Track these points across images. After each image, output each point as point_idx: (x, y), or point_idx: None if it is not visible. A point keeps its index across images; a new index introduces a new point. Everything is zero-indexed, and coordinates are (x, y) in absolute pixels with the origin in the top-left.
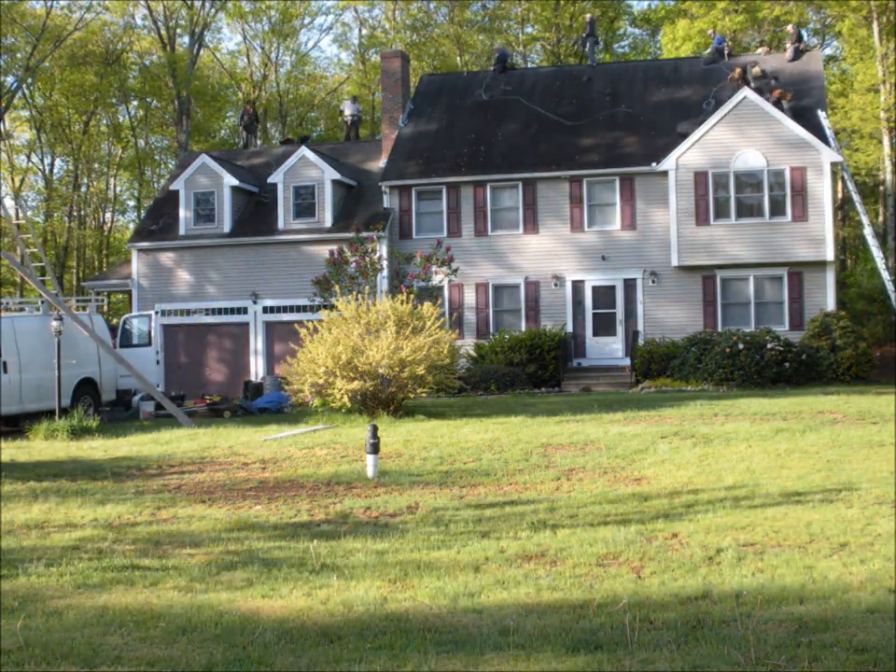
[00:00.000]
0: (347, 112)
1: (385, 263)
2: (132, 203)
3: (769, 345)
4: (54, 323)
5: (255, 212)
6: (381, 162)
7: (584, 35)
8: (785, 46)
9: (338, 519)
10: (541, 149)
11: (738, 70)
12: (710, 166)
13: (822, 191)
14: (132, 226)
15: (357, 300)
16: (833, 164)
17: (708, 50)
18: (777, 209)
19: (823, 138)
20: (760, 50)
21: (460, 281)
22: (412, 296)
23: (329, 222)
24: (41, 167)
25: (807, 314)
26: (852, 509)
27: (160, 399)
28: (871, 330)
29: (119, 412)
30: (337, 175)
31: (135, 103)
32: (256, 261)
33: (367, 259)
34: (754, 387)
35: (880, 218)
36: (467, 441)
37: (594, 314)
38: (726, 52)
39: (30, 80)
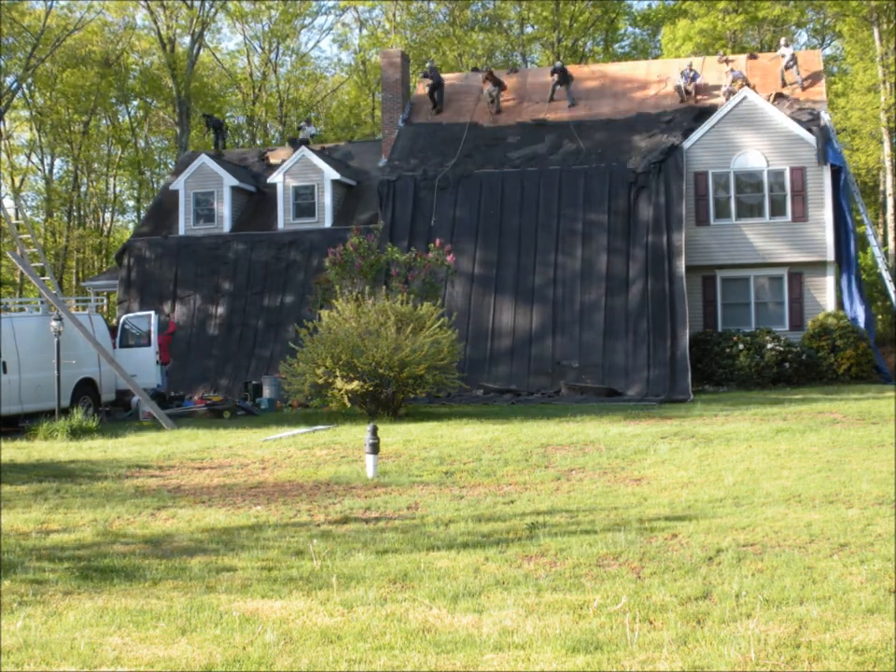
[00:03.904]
0: (301, 135)
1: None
2: (131, 203)
3: (769, 346)
4: (54, 323)
5: (255, 212)
6: (381, 162)
7: (555, 82)
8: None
9: (338, 519)
10: (541, 147)
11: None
12: (710, 166)
13: (823, 192)
14: (131, 226)
15: (357, 299)
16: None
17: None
18: (778, 209)
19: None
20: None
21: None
22: (412, 296)
23: (328, 222)
24: (41, 167)
25: (807, 314)
26: (852, 509)
27: (145, 399)
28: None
29: (118, 412)
30: (337, 175)
31: (135, 103)
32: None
33: (367, 258)
34: (754, 387)
35: (880, 218)
36: (467, 441)
37: None
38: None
39: (30, 80)
